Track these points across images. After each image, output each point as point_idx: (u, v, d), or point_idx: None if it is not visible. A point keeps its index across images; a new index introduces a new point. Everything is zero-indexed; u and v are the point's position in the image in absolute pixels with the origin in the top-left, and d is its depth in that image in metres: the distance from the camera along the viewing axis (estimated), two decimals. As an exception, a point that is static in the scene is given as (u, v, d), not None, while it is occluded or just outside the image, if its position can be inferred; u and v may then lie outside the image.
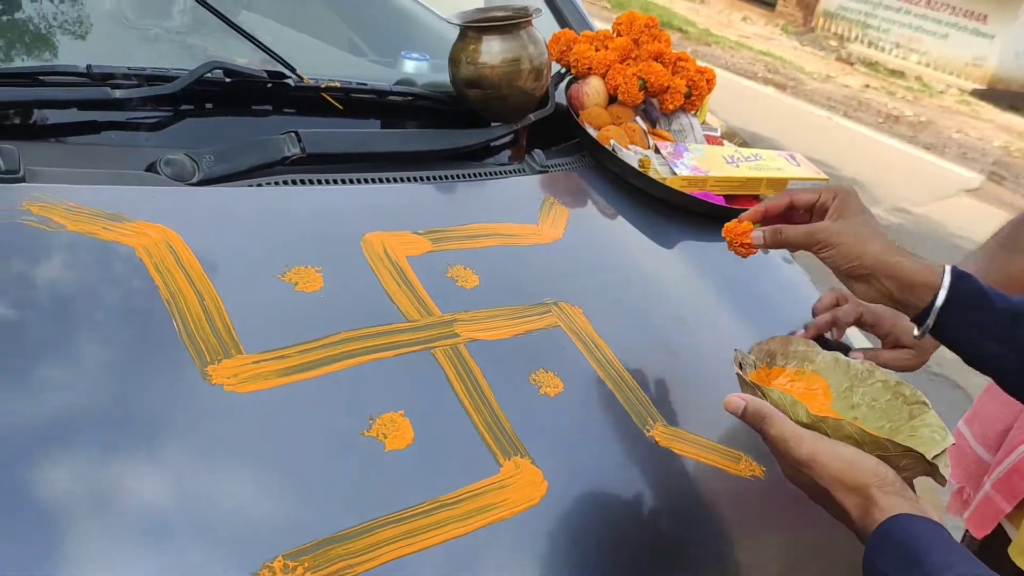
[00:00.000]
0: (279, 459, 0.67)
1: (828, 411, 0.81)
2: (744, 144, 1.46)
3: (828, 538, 0.83)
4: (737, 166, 1.29)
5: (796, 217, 0.88)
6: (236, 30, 0.96)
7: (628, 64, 1.32)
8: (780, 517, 0.89)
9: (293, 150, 0.94)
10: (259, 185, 0.90)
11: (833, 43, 10.39)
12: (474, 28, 1.14)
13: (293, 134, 0.94)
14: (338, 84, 1.06)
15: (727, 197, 1.28)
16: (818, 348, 0.86)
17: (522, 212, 1.06)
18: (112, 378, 0.66)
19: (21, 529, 0.56)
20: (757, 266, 1.26)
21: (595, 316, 0.95)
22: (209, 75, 0.94)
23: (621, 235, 1.12)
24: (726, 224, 0.88)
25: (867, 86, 8.86)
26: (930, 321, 0.78)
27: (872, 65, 9.70)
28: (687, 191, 1.23)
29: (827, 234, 0.82)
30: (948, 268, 0.79)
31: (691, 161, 1.27)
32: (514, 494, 0.73)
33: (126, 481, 0.61)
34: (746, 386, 0.76)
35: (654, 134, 1.32)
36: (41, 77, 0.86)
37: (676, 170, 1.24)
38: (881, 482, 0.66)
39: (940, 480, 0.70)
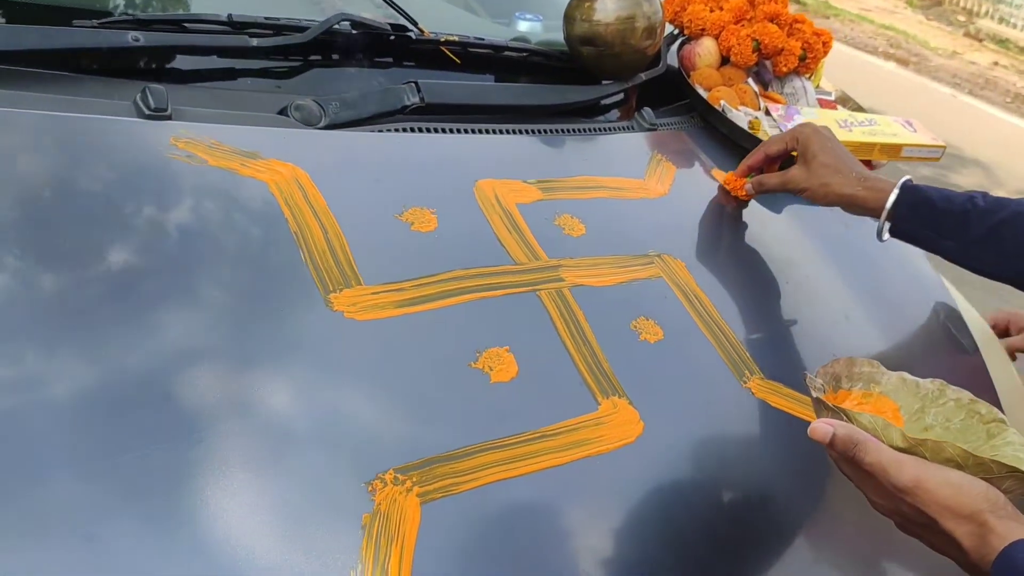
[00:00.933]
0: (393, 383, 0.72)
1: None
2: (859, 110, 1.43)
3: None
4: (850, 130, 1.28)
5: (778, 165, 1.08)
6: (363, -17, 1.01)
7: (743, 25, 1.31)
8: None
9: (413, 99, 0.98)
10: (380, 131, 0.95)
11: (961, 18, 9.87)
12: (590, -14, 1.16)
13: (413, 84, 0.98)
14: (456, 38, 1.10)
15: (838, 162, 1.27)
16: (883, 369, 0.83)
17: (630, 167, 1.08)
18: (245, 300, 0.72)
19: (168, 431, 0.62)
20: (865, 235, 1.25)
21: (697, 270, 0.97)
22: (337, 26, 0.99)
23: (727, 195, 1.12)
24: (724, 175, 1.11)
25: (996, 63, 8.39)
26: (880, 223, 0.97)
27: (1002, 42, 9.18)
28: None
29: (795, 182, 1.02)
30: (900, 180, 0.97)
31: (802, 124, 1.26)
32: (611, 431, 0.76)
33: (257, 393, 0.67)
34: (827, 411, 0.72)
35: (766, 96, 1.32)
36: (187, 24, 0.92)
37: (786, 133, 1.23)
38: (994, 507, 0.63)
39: None
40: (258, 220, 0.78)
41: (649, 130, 1.18)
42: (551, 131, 1.09)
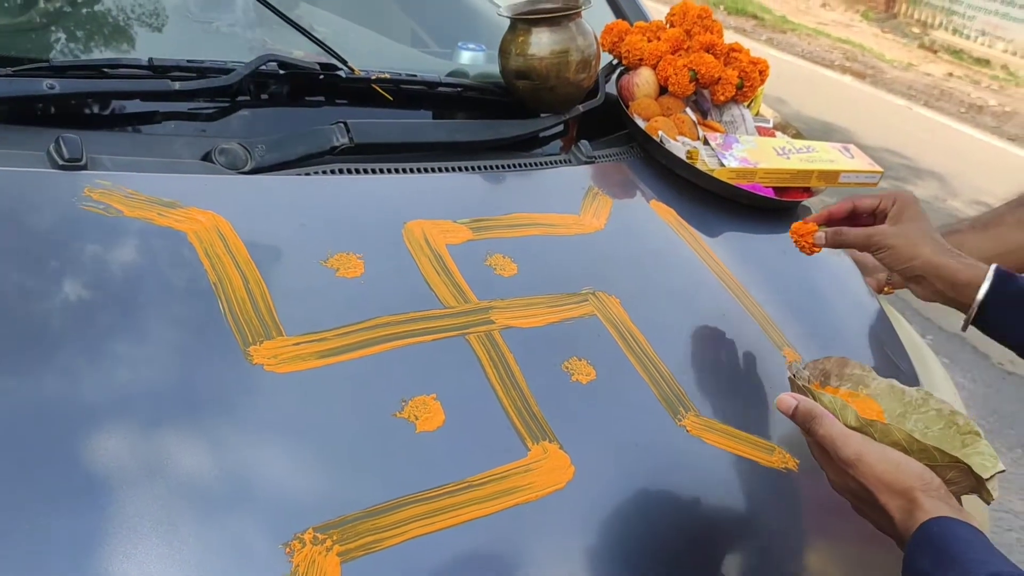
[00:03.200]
0: (313, 437, 0.71)
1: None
2: (798, 135, 1.45)
3: (859, 534, 0.83)
4: (788, 158, 1.29)
5: (859, 220, 0.97)
6: (290, 24, 1.00)
7: (679, 55, 1.32)
8: (813, 511, 0.89)
9: (342, 140, 0.97)
10: (308, 174, 0.94)
11: (916, 30, 10.05)
12: (524, 20, 1.16)
13: (342, 124, 0.97)
14: (388, 76, 1.09)
15: (777, 189, 1.28)
16: (874, 374, 0.89)
17: (565, 202, 1.07)
18: (160, 355, 0.70)
19: (74, 491, 0.60)
20: (805, 260, 1.25)
21: (632, 306, 0.97)
22: (264, 68, 0.98)
23: (665, 227, 1.12)
24: (793, 224, 0.99)
25: (950, 75, 8.55)
26: (970, 313, 0.86)
27: (956, 53, 9.36)
28: (735, 183, 1.23)
29: (883, 237, 0.91)
30: (992, 268, 0.86)
31: (741, 153, 1.26)
32: (540, 478, 0.75)
33: (171, 451, 0.65)
34: (797, 390, 0.78)
35: (704, 125, 1.32)
36: (105, 70, 0.90)
37: (725, 162, 1.24)
38: (926, 486, 0.68)
39: (986, 497, 0.72)
40: (176, 272, 0.77)
41: (587, 163, 1.18)
42: (486, 167, 1.08)
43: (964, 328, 0.89)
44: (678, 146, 1.24)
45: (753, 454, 0.89)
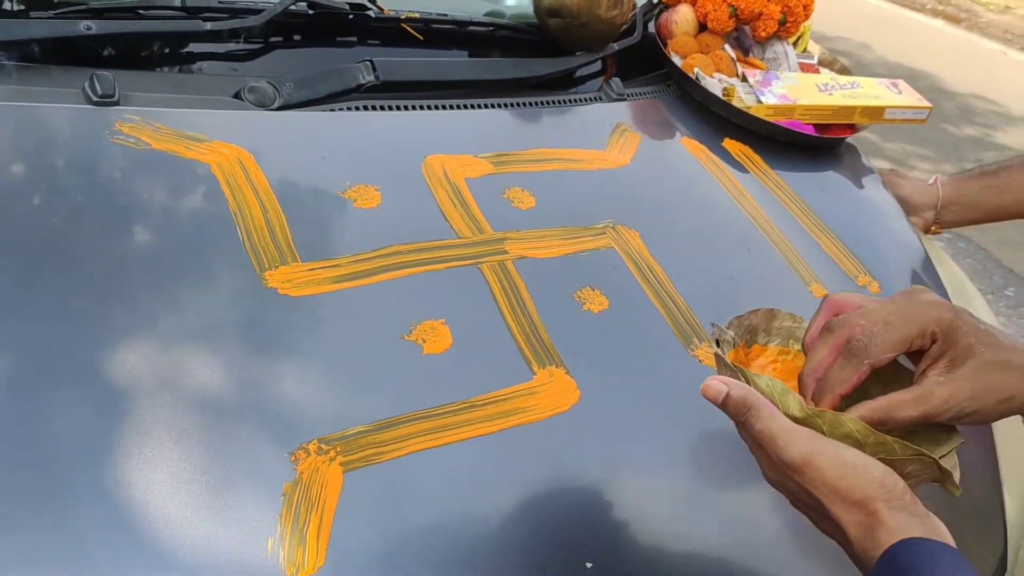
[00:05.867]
0: (323, 356, 0.74)
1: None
2: (844, 70, 1.40)
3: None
4: (830, 94, 1.26)
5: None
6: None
7: (719, -10, 1.29)
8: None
9: (368, 78, 0.99)
10: (333, 111, 0.96)
11: (1016, -30, 9.50)
12: (555, -44, 1.15)
13: (368, 63, 1.00)
14: (418, 15, 1.10)
15: (817, 127, 1.25)
16: (807, 324, 0.74)
17: (591, 138, 1.08)
18: (180, 277, 0.75)
19: (94, 402, 0.64)
20: (843, 198, 1.23)
21: (653, 240, 0.97)
22: (293, 7, 1.01)
23: (695, 164, 1.12)
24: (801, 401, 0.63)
25: (1052, 17, 8.09)
26: None
27: (1060, -7, 8.82)
28: (772, 120, 1.21)
29: (955, 408, 0.61)
30: None
31: (780, 89, 1.24)
32: (544, 400, 0.77)
33: (187, 364, 0.69)
34: (727, 368, 0.64)
35: (744, 63, 1.30)
36: (140, 11, 0.94)
37: (762, 98, 1.22)
38: (888, 495, 0.55)
39: (953, 489, 0.60)
40: (198, 201, 0.81)
41: (618, 99, 1.18)
42: (514, 105, 1.09)
43: None
44: (714, 83, 1.22)
45: (768, 386, 0.89)
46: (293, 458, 0.66)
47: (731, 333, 0.70)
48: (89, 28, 0.89)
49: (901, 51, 5.80)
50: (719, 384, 0.60)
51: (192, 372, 0.69)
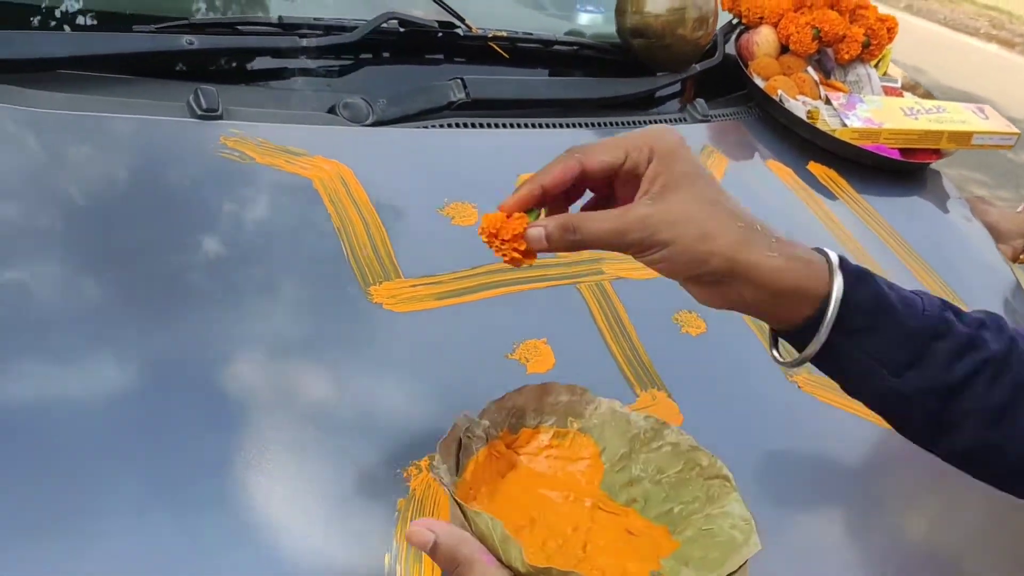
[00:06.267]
0: (429, 373, 0.73)
1: (595, 491, 0.61)
2: (927, 95, 1.39)
3: (986, 497, 0.80)
4: (916, 118, 1.24)
5: (597, 191, 0.59)
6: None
7: (802, 13, 1.28)
8: (923, 471, 0.86)
9: (459, 95, 0.99)
10: (426, 127, 0.96)
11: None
12: (641, -23, 1.15)
13: (459, 80, 1.00)
14: (505, 34, 1.10)
15: (903, 151, 1.23)
16: (590, 396, 0.65)
17: (679, 159, 1.07)
18: (288, 293, 0.74)
19: (213, 416, 0.64)
20: (930, 224, 1.21)
21: (746, 263, 0.95)
22: (385, 25, 1.01)
23: (783, 187, 1.10)
24: (484, 216, 0.56)
25: (1105, 45, 7.97)
26: (811, 350, 0.56)
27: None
28: (857, 143, 1.19)
29: (649, 228, 0.52)
30: (837, 268, 0.55)
31: (865, 113, 1.22)
32: (648, 423, 0.76)
33: (299, 381, 0.68)
34: (453, 502, 0.52)
35: (827, 85, 1.29)
36: (239, 27, 0.95)
37: (847, 121, 1.20)
38: None
39: None
40: (303, 215, 0.81)
41: (702, 121, 1.17)
42: (600, 124, 1.08)
43: (795, 364, 0.59)
44: (798, 105, 1.21)
45: (868, 413, 0.87)
46: (406, 474, 0.66)
47: (485, 422, 0.60)
48: (191, 43, 0.90)
49: (955, 75, 5.75)
50: (424, 531, 0.49)
51: (306, 386, 0.68)
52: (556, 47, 1.16)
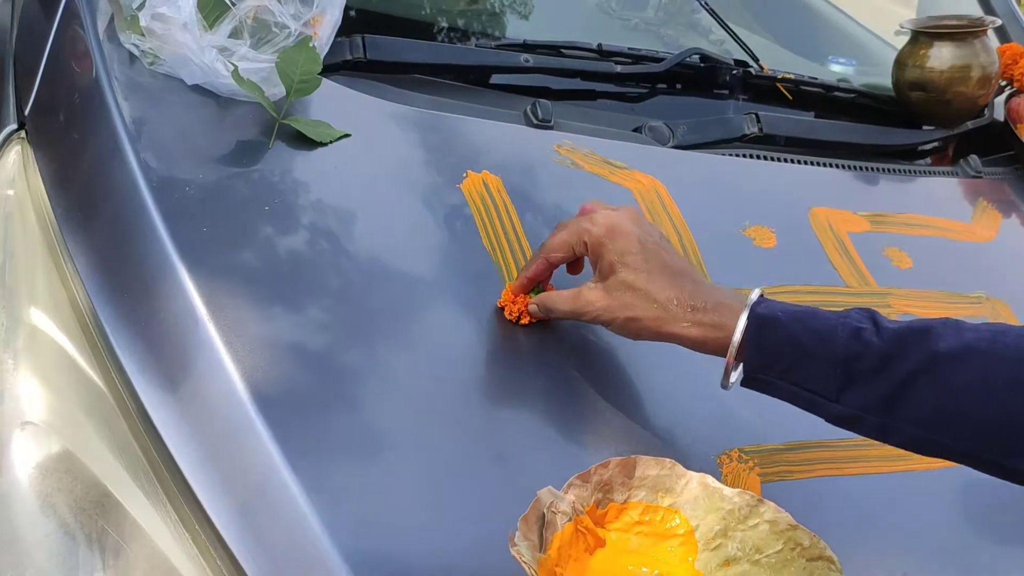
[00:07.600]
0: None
1: (690, 570, 0.59)
2: None
3: None
4: None
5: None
6: (721, 24, 1.11)
7: (1079, 80, 1.29)
8: None
9: (752, 129, 1.07)
10: (722, 155, 1.04)
11: None
12: (927, 34, 1.20)
13: (753, 115, 1.07)
14: (792, 76, 1.17)
15: None
16: (680, 470, 0.62)
17: (955, 210, 1.11)
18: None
19: (415, 421, 0.64)
20: None
21: None
22: (689, 59, 1.10)
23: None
24: (503, 292, 0.74)
25: None
26: (726, 366, 0.65)
27: None
28: None
29: (592, 309, 0.69)
30: (743, 321, 0.64)
31: None
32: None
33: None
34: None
35: (1099, 153, 1.28)
36: (564, 50, 1.06)
37: (1120, 191, 1.20)
38: None
39: None
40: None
41: (974, 177, 1.20)
42: (877, 169, 1.13)
43: (725, 383, 0.67)
44: (1071, 171, 1.22)
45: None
46: (719, 461, 0.72)
47: (570, 497, 0.56)
48: (527, 61, 1.01)
49: None
50: None
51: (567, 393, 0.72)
52: (835, 93, 1.22)
